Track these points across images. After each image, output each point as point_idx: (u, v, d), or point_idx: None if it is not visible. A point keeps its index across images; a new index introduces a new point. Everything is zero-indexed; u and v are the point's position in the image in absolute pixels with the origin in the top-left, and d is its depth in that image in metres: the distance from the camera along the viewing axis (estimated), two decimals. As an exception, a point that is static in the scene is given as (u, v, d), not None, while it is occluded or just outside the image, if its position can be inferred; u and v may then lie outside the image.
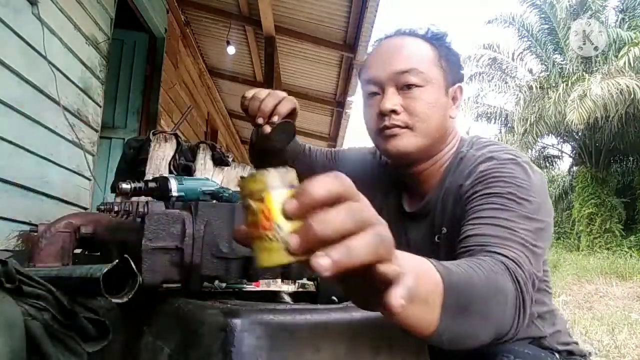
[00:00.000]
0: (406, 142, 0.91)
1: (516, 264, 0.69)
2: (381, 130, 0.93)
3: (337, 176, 0.39)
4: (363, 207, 0.40)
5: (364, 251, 0.38)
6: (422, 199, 0.98)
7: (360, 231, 0.38)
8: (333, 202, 0.38)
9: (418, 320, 0.52)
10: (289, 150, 1.13)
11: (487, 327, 0.63)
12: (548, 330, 0.94)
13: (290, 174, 0.41)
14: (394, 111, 0.90)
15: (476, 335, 0.62)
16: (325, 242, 0.37)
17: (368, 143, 1.13)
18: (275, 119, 0.97)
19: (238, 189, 0.43)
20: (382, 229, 0.40)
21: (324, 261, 0.36)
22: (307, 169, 1.14)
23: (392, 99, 0.91)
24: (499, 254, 0.70)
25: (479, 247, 0.73)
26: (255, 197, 0.40)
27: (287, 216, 0.38)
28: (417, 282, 0.47)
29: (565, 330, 1.00)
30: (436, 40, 0.96)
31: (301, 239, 0.37)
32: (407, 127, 0.91)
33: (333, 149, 1.25)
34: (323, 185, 0.38)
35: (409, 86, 0.90)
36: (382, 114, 0.91)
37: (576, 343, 1.00)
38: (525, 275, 0.69)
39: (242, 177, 0.41)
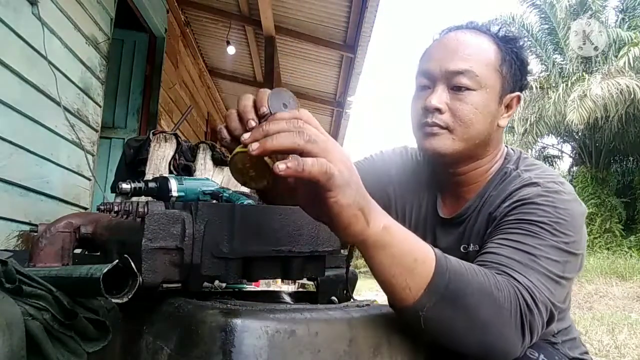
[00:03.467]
0: (442, 143, 0.88)
1: (528, 291, 0.68)
2: (422, 126, 0.90)
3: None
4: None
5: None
6: (459, 206, 0.95)
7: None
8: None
9: (397, 278, 0.60)
10: None
11: (474, 331, 0.63)
12: (561, 339, 0.93)
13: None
14: (438, 109, 0.87)
15: (458, 332, 0.63)
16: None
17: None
18: None
19: (239, 188, 0.48)
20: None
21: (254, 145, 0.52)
22: None
23: (439, 97, 0.87)
24: (512, 277, 0.69)
25: (494, 265, 0.71)
26: None
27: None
28: (392, 222, 0.60)
29: (577, 342, 0.99)
30: (505, 42, 0.91)
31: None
32: (447, 128, 0.88)
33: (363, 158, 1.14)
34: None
35: (459, 87, 0.87)
36: (426, 110, 0.88)
37: (587, 353, 0.99)
38: (537, 303, 0.68)
39: None
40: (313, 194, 0.55)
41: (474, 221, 0.91)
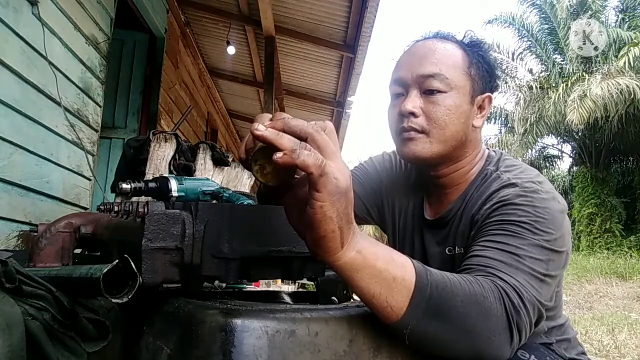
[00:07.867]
0: (421, 147, 0.90)
1: (516, 290, 0.68)
2: (400, 132, 0.92)
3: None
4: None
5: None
6: (443, 208, 0.97)
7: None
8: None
9: (377, 299, 0.60)
10: None
11: (463, 341, 0.64)
12: (555, 338, 0.94)
13: None
14: (412, 113, 0.89)
15: (445, 344, 0.64)
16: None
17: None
18: None
19: (239, 188, 0.47)
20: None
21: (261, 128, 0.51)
22: None
23: (413, 101, 0.90)
24: (499, 278, 0.70)
25: (481, 267, 0.72)
26: None
27: None
28: (367, 245, 0.58)
29: (574, 342, 0.99)
30: (470, 47, 0.95)
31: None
32: (423, 132, 0.90)
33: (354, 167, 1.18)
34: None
35: (431, 91, 0.89)
36: (402, 115, 0.91)
37: (584, 353, 1.00)
38: (524, 302, 0.69)
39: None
40: (302, 197, 0.55)
41: (458, 223, 0.92)
